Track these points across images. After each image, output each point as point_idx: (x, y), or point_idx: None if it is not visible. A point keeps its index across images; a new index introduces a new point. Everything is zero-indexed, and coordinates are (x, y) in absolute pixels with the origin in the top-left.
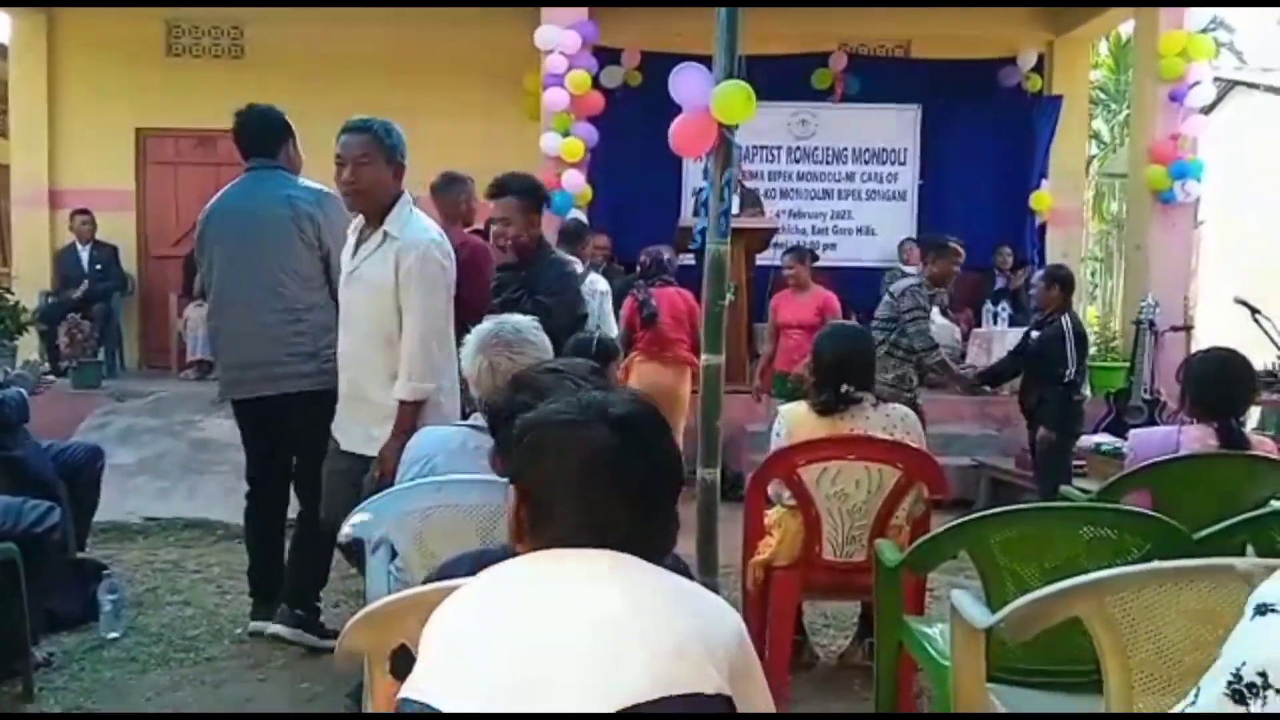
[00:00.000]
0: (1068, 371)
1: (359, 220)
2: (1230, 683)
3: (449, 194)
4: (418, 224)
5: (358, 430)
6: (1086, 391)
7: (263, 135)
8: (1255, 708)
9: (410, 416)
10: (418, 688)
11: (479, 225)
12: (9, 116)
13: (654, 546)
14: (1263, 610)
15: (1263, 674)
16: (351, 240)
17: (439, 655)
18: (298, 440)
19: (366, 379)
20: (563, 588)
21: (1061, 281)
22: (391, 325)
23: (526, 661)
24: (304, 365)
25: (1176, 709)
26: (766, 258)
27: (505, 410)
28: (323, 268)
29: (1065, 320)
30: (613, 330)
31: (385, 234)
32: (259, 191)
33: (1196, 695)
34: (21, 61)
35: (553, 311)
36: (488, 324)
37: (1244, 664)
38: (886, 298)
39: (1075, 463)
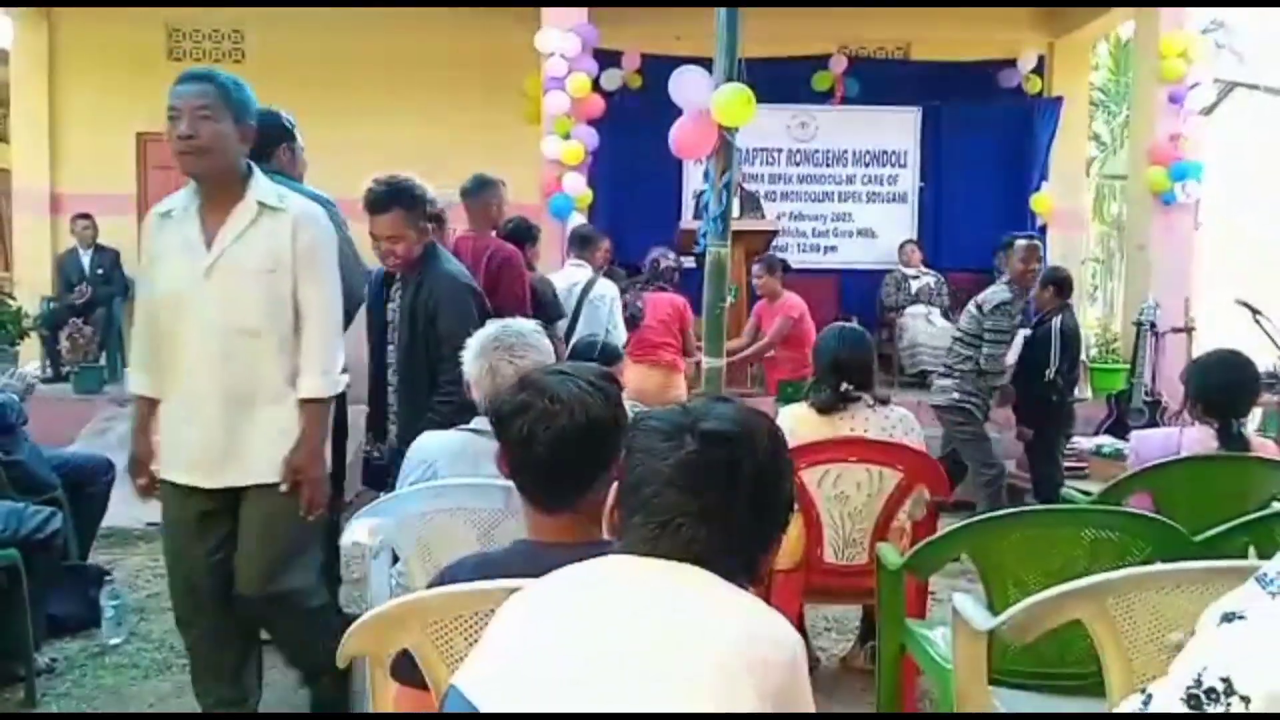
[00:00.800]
0: (1049, 371)
1: (182, 199)
2: (1189, 688)
3: (480, 197)
4: (295, 191)
5: (245, 459)
6: (1085, 393)
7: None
8: (1213, 711)
9: (324, 418)
10: (467, 681)
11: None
12: (10, 121)
13: (730, 567)
14: (1229, 618)
15: (1226, 679)
16: (191, 225)
17: (490, 653)
18: None
19: (251, 390)
20: (609, 597)
21: (1056, 283)
22: (284, 314)
23: (560, 669)
24: None
25: (1121, 709)
26: None
27: (508, 410)
28: None
29: (1056, 322)
30: (623, 335)
31: (261, 205)
32: None
33: (1147, 701)
34: (23, 66)
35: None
36: (490, 327)
37: (1205, 669)
38: (972, 309)
39: (1076, 465)
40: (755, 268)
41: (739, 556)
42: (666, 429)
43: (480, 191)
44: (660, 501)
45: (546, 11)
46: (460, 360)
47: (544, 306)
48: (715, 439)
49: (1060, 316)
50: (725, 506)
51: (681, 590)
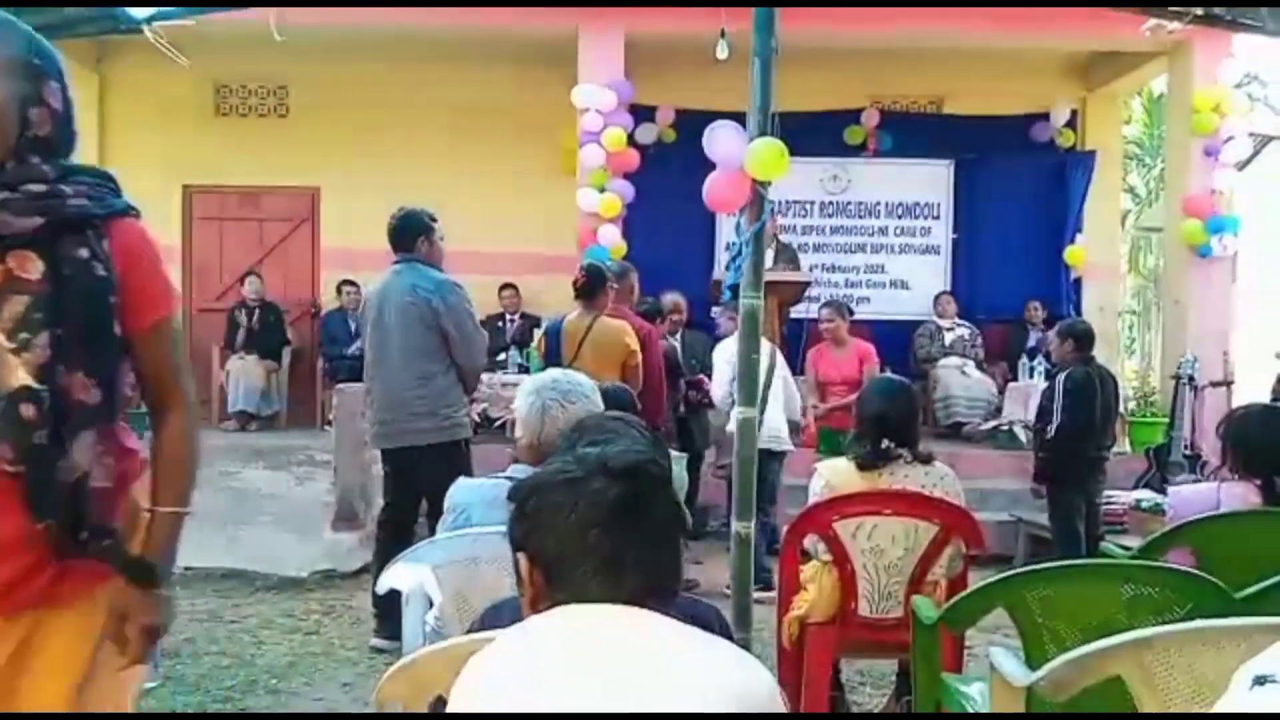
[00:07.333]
0: (1050, 427)
1: None
2: None
3: (625, 280)
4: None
5: None
6: (1123, 446)
7: (403, 234)
8: None
9: None
10: None
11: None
12: None
13: (668, 588)
14: (1262, 681)
15: None
16: None
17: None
18: (423, 482)
19: None
20: (584, 652)
21: (1075, 336)
22: None
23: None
24: (425, 422)
25: None
26: (800, 311)
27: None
28: (440, 343)
29: (1061, 376)
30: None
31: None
32: (398, 283)
33: None
34: None
35: None
36: (550, 372)
37: None
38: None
39: (1114, 519)
40: (824, 311)
41: (670, 580)
42: (578, 474)
43: (625, 276)
44: (594, 546)
45: (583, 67)
46: None
47: (677, 368)
48: (628, 475)
49: (1069, 370)
50: (651, 536)
51: (647, 642)
